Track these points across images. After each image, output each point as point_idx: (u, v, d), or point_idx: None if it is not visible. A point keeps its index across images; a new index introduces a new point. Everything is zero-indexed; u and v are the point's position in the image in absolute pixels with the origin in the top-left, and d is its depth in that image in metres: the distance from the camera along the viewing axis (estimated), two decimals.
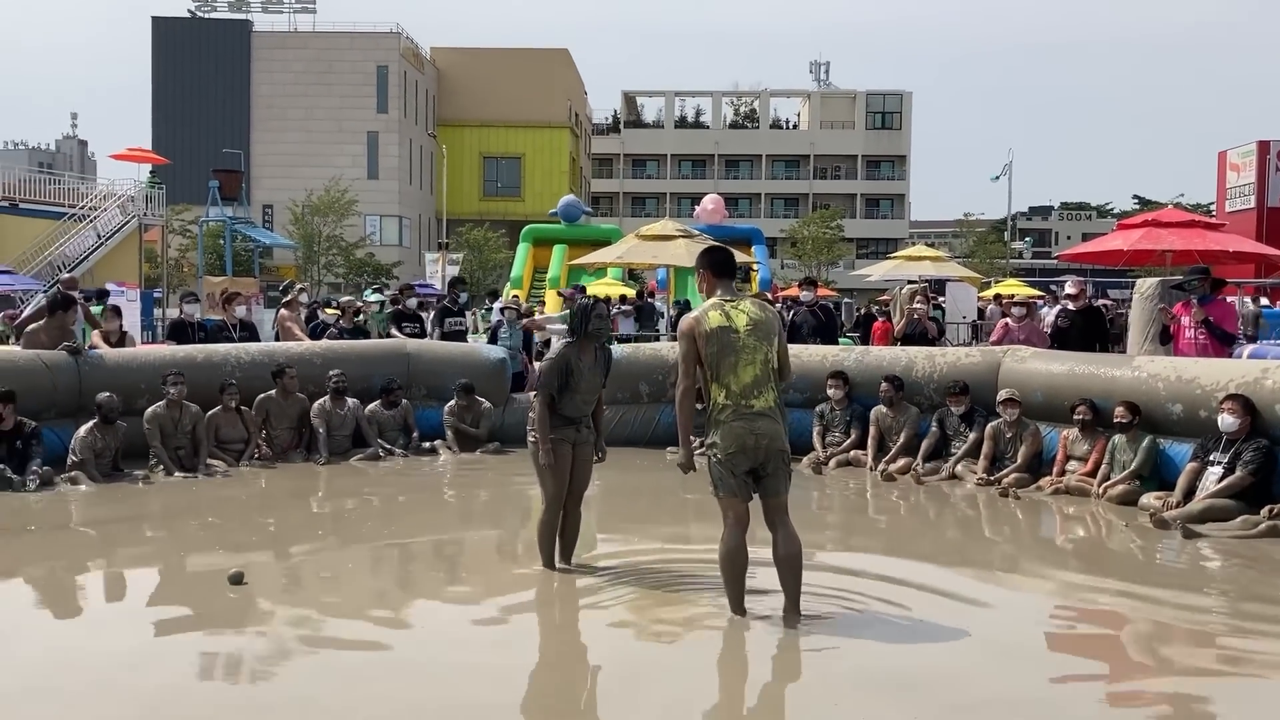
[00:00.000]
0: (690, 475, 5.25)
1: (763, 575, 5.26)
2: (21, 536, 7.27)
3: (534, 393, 6.20)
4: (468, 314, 16.30)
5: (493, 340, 12.70)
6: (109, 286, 23.74)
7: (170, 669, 4.67)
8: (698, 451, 5.22)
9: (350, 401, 10.30)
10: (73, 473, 8.59)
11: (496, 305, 17.30)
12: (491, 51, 62.42)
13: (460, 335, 13.29)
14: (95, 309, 12.16)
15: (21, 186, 34.38)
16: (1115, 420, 8.59)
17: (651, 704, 4.23)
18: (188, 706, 4.17)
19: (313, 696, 4.31)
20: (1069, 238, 76.90)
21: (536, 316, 13.11)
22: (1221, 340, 9.62)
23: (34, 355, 9.49)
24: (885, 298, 19.35)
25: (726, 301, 5.14)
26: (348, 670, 4.60)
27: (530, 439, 6.05)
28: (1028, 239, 77.70)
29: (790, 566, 5.05)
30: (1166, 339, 10.08)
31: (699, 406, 5.23)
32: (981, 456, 9.30)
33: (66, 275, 15.12)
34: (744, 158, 77.68)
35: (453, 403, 10.81)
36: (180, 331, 11.72)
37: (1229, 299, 11.80)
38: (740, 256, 18.01)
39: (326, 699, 4.27)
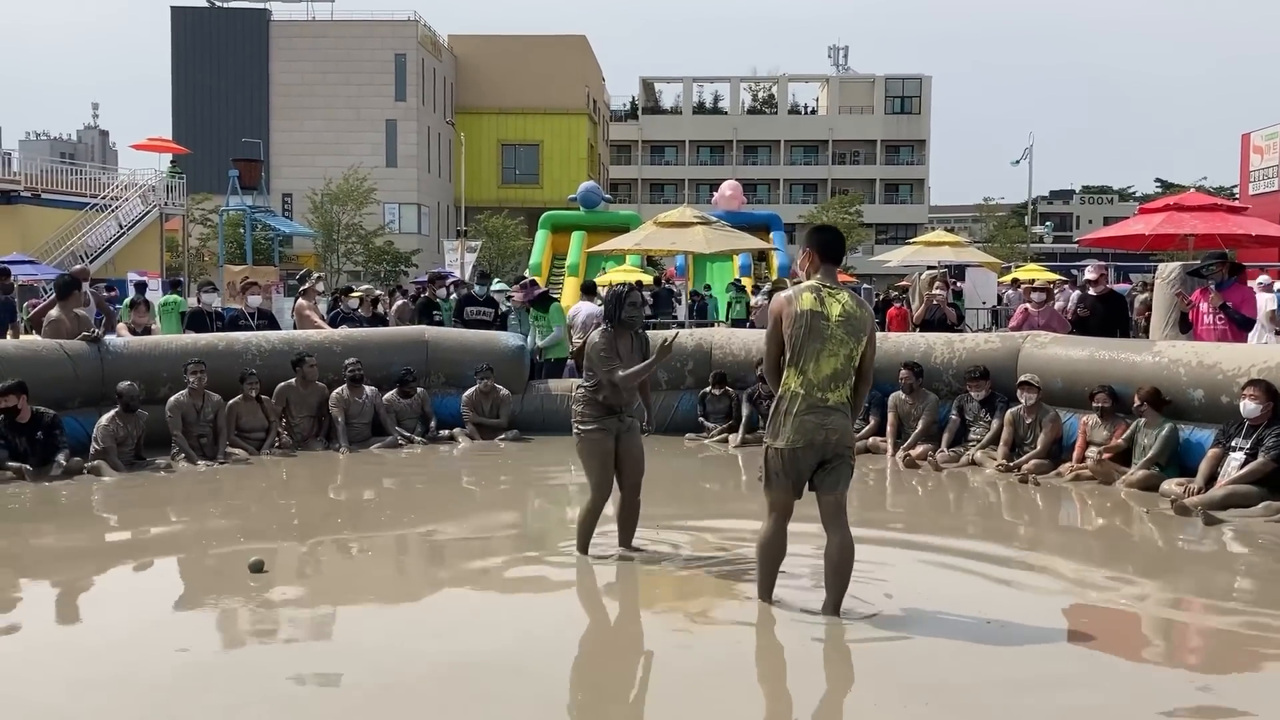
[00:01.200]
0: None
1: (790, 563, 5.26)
2: (46, 526, 7.34)
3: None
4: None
5: (502, 328, 12.73)
6: (131, 276, 23.90)
7: (189, 657, 4.71)
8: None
9: (368, 389, 10.35)
10: (95, 462, 8.66)
11: (497, 287, 17.21)
12: (509, 39, 62.33)
13: (485, 325, 13.29)
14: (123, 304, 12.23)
15: (44, 177, 34.64)
16: (1136, 406, 8.54)
17: (678, 690, 4.25)
18: (207, 694, 4.21)
19: (334, 685, 4.34)
20: (1090, 222, 76.25)
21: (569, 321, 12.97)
22: (1240, 325, 9.55)
23: (56, 345, 9.56)
24: (904, 283, 19.26)
25: (825, 287, 4.90)
26: (370, 658, 4.63)
27: (577, 431, 6.00)
28: (1048, 223, 77.19)
29: (840, 570, 4.97)
30: (1186, 326, 10.01)
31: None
32: (1001, 443, 9.27)
33: (78, 266, 15.21)
34: (762, 143, 77.40)
35: (471, 390, 10.84)
36: (199, 321, 11.78)
37: (1250, 283, 11.68)
38: (758, 243, 18.02)
39: (348, 687, 4.30)
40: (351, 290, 14.52)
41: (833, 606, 4.96)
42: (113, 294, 17.96)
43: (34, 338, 9.91)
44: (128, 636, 4.97)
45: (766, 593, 5.10)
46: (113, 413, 8.99)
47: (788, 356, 4.88)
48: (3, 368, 8.80)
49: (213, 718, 3.94)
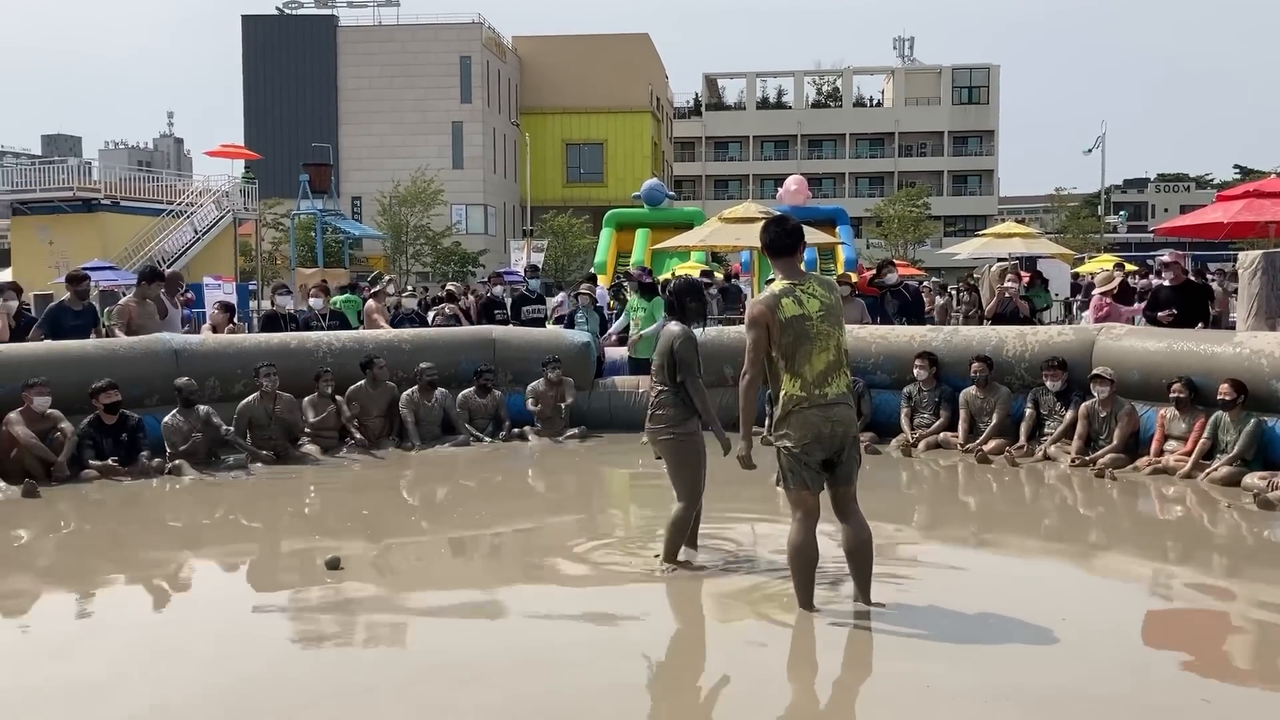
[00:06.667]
0: (770, 455, 5.11)
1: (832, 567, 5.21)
2: (130, 523, 7.55)
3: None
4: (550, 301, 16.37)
5: (569, 326, 12.75)
6: (207, 280, 24.43)
7: (267, 652, 4.82)
8: (758, 438, 5.00)
9: (438, 392, 10.46)
10: (177, 462, 8.87)
11: (562, 297, 17.25)
12: (572, 39, 62.64)
13: (538, 323, 13.37)
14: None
15: (123, 185, 35.53)
16: (1219, 398, 8.32)
17: (744, 688, 4.24)
18: (284, 689, 4.29)
19: (408, 680, 4.40)
20: (1166, 210, 74.44)
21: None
22: None
23: (131, 344, 9.80)
24: (974, 276, 19.00)
25: (796, 285, 4.87)
26: (443, 654, 4.69)
27: (671, 434, 5.70)
28: (1122, 213, 75.55)
29: (861, 556, 4.94)
30: (1276, 314, 9.72)
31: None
32: (1075, 437, 9.09)
33: (168, 269, 15.60)
34: (827, 137, 76.78)
35: (537, 382, 10.88)
36: (273, 323, 12.02)
37: None
38: (824, 237, 17.86)
39: (422, 683, 4.35)
40: (451, 296, 14.51)
41: (862, 596, 4.95)
42: (189, 298, 18.37)
43: (113, 339, 10.17)
44: (209, 633, 5.09)
45: (807, 601, 4.95)
46: (174, 410, 9.20)
47: (782, 363, 4.83)
48: (84, 369, 9.05)
49: (291, 712, 4.02)
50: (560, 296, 15.87)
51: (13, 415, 8.51)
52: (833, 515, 5.01)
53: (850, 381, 4.95)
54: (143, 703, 4.14)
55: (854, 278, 14.13)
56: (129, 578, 6.19)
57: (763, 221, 15.02)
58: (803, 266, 5.02)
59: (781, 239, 4.98)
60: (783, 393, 4.87)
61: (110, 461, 8.61)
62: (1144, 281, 16.73)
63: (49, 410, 8.63)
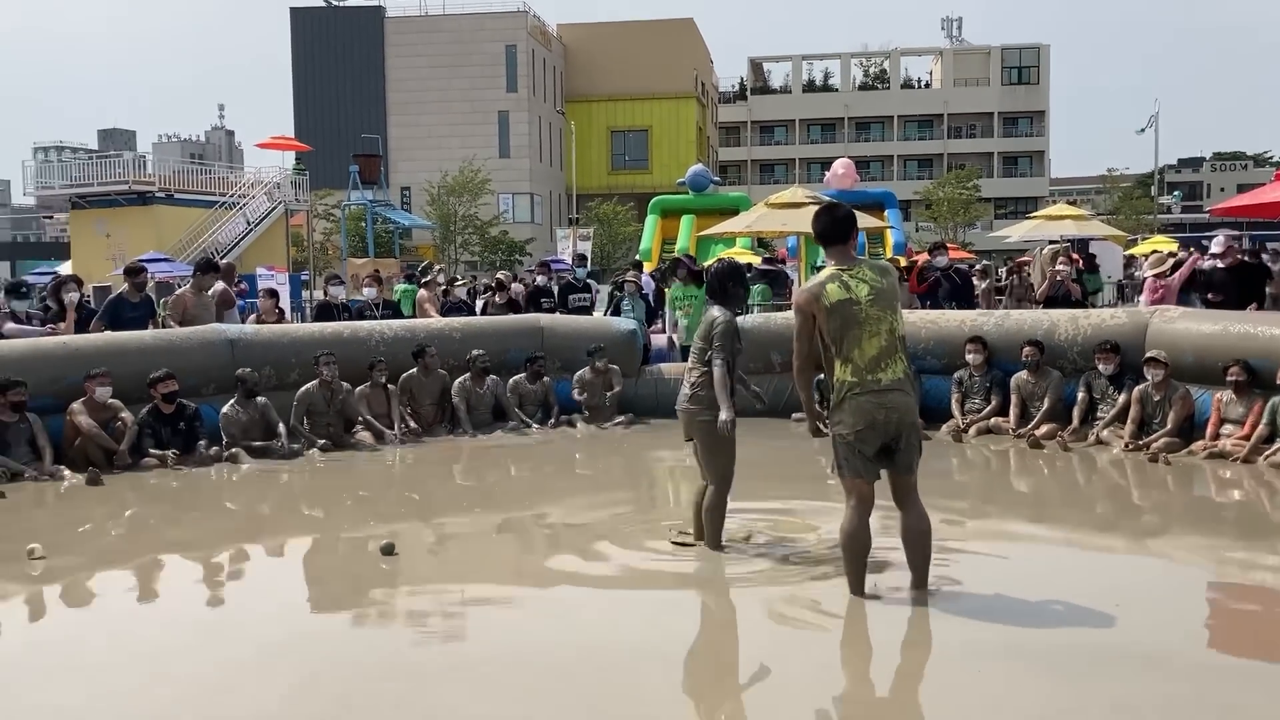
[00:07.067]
0: (824, 442, 5.16)
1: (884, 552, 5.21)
2: (190, 511, 7.72)
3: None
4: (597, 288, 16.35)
5: (615, 313, 12.80)
6: (260, 271, 24.75)
7: (325, 634, 4.93)
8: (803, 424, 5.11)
9: (489, 379, 10.56)
10: (234, 450, 9.05)
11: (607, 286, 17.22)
12: (617, 25, 62.59)
13: (585, 311, 13.43)
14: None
15: (176, 178, 36.14)
16: (1279, 382, 8.18)
17: (793, 679, 4.27)
18: (341, 670, 4.39)
19: (460, 664, 4.48)
20: (1222, 190, 72.94)
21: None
22: None
23: (188, 334, 10.00)
24: (1025, 259, 18.78)
25: (844, 271, 4.83)
26: (495, 638, 4.76)
27: (706, 416, 5.68)
28: (1177, 193, 74.19)
29: (919, 547, 4.92)
30: None
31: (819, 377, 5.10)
32: (1129, 421, 8.99)
33: (222, 261, 15.87)
34: (875, 119, 76.09)
35: (583, 370, 10.96)
36: (326, 312, 12.20)
37: None
38: (873, 221, 17.74)
39: (474, 665, 4.42)
40: (500, 285, 14.58)
41: (919, 584, 4.93)
42: (242, 289, 18.65)
43: (170, 330, 10.37)
44: (269, 616, 5.21)
45: (857, 585, 4.96)
46: (233, 400, 9.37)
47: (832, 350, 4.83)
48: (143, 359, 9.24)
49: (348, 692, 4.11)
50: (599, 287, 15.80)
51: (76, 405, 8.72)
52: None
53: (908, 367, 4.89)
54: (206, 681, 4.25)
55: (902, 262, 14.03)
56: (190, 562, 6.33)
57: (812, 208, 14.96)
58: (854, 252, 4.98)
59: (832, 227, 4.97)
60: (835, 379, 4.85)
61: (169, 451, 8.79)
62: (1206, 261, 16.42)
63: (110, 400, 8.84)
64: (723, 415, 5.49)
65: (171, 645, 4.75)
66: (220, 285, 11.09)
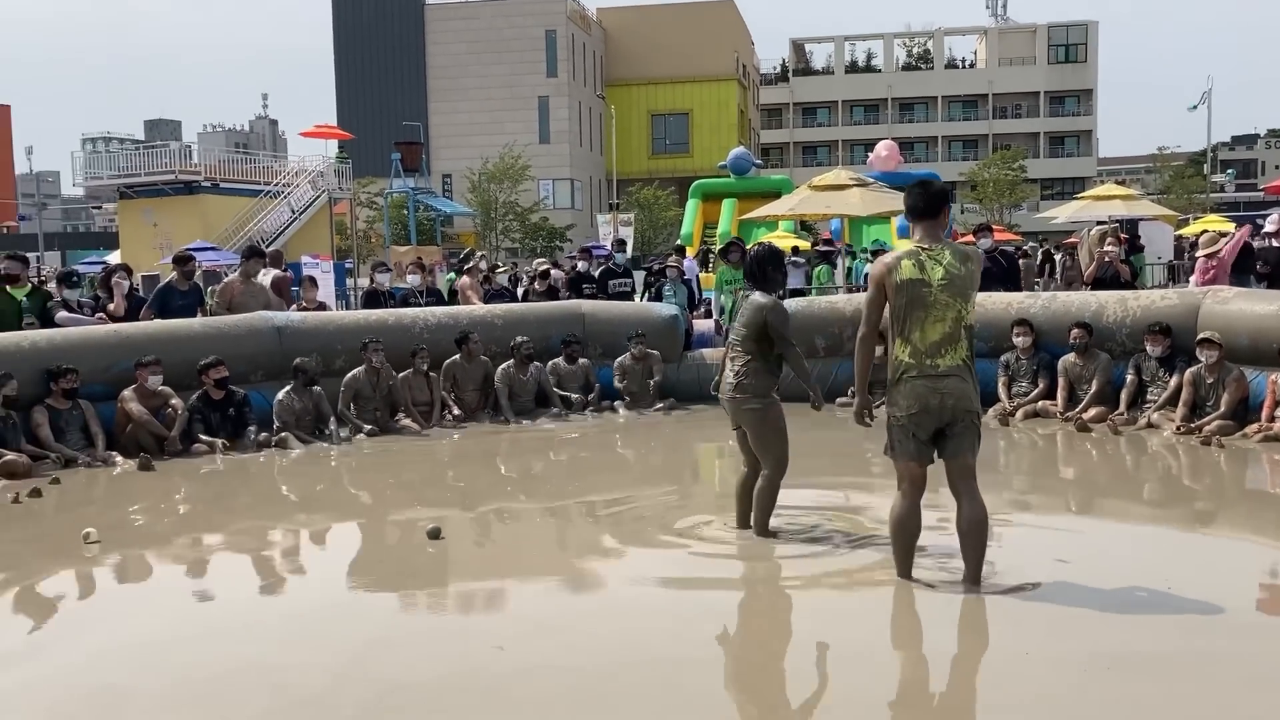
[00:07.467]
0: (870, 430, 5.11)
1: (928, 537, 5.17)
2: (239, 495, 7.83)
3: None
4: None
5: (657, 298, 12.78)
6: (305, 259, 24.97)
7: (374, 617, 4.98)
8: (876, 405, 5.05)
9: (533, 366, 10.61)
10: (282, 435, 9.15)
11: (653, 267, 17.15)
12: (657, 8, 62.30)
13: (626, 296, 13.43)
14: None
15: (221, 167, 36.50)
16: None
17: (838, 665, 4.25)
18: (389, 653, 4.43)
19: (508, 647, 4.50)
20: (1277, 168, 71.51)
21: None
22: None
23: (236, 322, 10.12)
24: (1072, 240, 18.52)
25: (924, 250, 4.72)
26: (540, 622, 4.78)
27: (754, 404, 5.65)
28: (1230, 171, 72.82)
29: (974, 536, 4.81)
30: None
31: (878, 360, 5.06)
32: (1180, 403, 8.84)
33: (271, 249, 16.05)
34: (919, 100, 75.33)
35: (625, 356, 10.97)
36: (374, 300, 12.33)
37: None
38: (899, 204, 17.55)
39: (519, 649, 4.44)
40: (545, 275, 14.61)
41: (972, 576, 4.81)
42: (289, 276, 18.82)
43: (218, 317, 10.51)
44: (317, 599, 5.28)
45: (905, 569, 4.92)
46: (289, 387, 9.47)
47: (895, 328, 4.75)
48: (192, 347, 9.36)
49: (396, 673, 4.15)
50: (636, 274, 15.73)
51: (127, 393, 8.86)
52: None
53: (969, 355, 4.77)
54: (253, 662, 4.31)
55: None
56: (239, 546, 6.42)
57: (856, 189, 14.74)
58: (943, 232, 4.88)
59: (923, 201, 4.85)
60: (893, 357, 4.79)
61: (220, 440, 8.91)
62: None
63: (160, 387, 8.97)
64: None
65: (219, 627, 4.82)
66: (276, 273, 11.31)
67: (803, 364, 5.72)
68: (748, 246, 15.78)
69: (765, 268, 5.81)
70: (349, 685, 4.05)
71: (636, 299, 14.14)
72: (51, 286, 12.46)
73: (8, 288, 9.98)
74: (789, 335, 5.68)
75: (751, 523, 5.82)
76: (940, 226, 4.84)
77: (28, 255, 12.30)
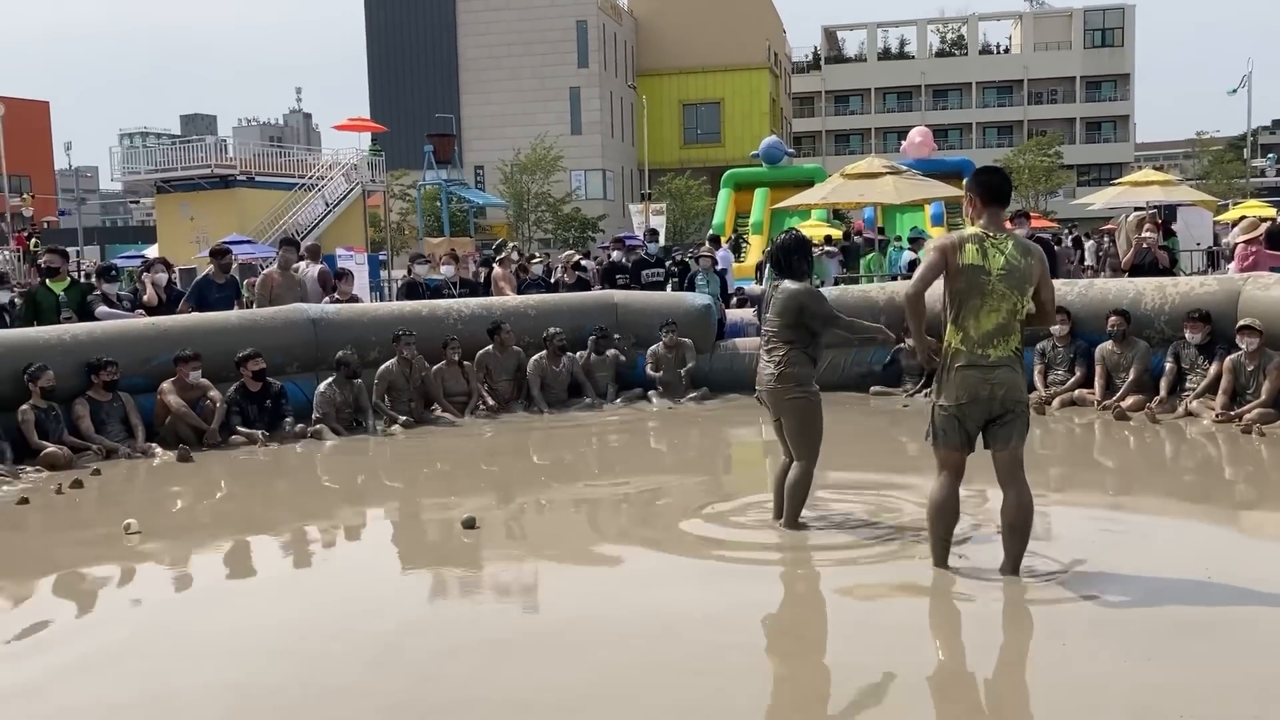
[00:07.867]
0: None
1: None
2: (277, 485, 7.91)
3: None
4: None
5: (690, 288, 12.78)
6: (340, 251, 25.13)
7: (410, 606, 5.02)
8: (925, 395, 5.01)
9: (566, 357, 10.63)
10: (318, 426, 9.24)
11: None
12: None
13: (658, 286, 13.44)
14: None
15: (256, 161, 36.78)
16: None
17: (872, 654, 4.25)
18: (425, 639, 4.47)
19: (541, 635, 4.53)
20: None
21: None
22: None
23: (272, 314, 10.21)
24: (1110, 226, 18.31)
25: (988, 236, 4.67)
26: (573, 612, 4.80)
27: (796, 394, 5.61)
28: (1271, 155, 71.58)
29: (1018, 529, 4.76)
30: None
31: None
32: (1220, 391, 8.73)
33: (307, 242, 16.21)
34: (952, 86, 74.63)
35: (656, 345, 10.97)
36: (413, 291, 12.44)
37: None
38: (950, 190, 17.44)
39: (555, 636, 4.47)
40: (578, 267, 14.66)
41: (1011, 566, 4.78)
42: (324, 270, 18.96)
43: (254, 310, 10.63)
44: (356, 588, 5.32)
45: (941, 557, 4.91)
46: (330, 379, 9.55)
47: (949, 312, 4.71)
48: (229, 339, 9.47)
49: (432, 661, 4.18)
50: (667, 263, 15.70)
51: (166, 385, 8.97)
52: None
53: (1020, 345, 4.73)
54: (290, 650, 4.36)
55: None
56: (278, 535, 6.49)
57: (889, 178, 14.65)
58: (1006, 221, 4.84)
59: (1000, 188, 4.79)
60: (945, 342, 4.75)
61: (259, 432, 9.00)
62: None
63: (198, 380, 9.07)
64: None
65: (258, 616, 4.88)
66: (320, 266, 11.48)
67: (857, 323, 5.82)
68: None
69: (790, 257, 5.78)
70: (379, 676, 4.09)
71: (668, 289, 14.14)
72: (91, 280, 12.66)
73: (47, 281, 10.13)
74: (831, 311, 5.69)
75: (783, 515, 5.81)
76: (1004, 217, 4.80)
77: (68, 250, 12.48)
